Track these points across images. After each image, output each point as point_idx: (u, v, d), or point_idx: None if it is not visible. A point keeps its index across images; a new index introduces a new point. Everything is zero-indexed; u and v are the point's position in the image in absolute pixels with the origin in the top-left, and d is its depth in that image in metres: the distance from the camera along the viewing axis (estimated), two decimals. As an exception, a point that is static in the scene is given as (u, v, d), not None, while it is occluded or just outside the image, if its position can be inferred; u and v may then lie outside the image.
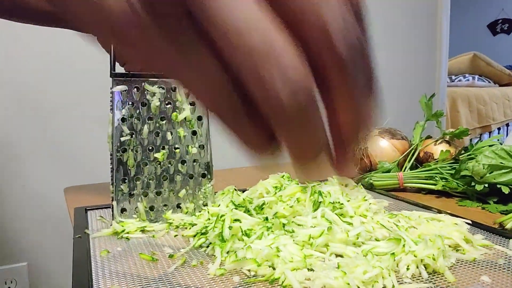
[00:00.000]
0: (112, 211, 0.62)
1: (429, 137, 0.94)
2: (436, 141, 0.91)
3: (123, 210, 0.62)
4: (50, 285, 1.41)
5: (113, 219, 0.62)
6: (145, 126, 0.63)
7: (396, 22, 1.91)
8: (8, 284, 1.36)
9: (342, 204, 0.58)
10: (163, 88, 0.63)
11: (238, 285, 0.44)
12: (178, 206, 0.65)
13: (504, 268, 0.47)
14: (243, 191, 0.69)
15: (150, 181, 0.63)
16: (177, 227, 0.62)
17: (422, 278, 0.45)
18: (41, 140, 1.35)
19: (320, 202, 0.58)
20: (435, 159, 0.87)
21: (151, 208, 0.64)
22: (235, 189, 0.69)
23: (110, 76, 0.60)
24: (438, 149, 0.88)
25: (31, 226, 1.36)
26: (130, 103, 0.61)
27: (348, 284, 0.42)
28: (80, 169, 1.39)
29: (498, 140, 0.85)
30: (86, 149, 1.40)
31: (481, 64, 4.20)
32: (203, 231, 0.57)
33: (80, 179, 1.33)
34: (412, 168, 0.89)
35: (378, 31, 1.85)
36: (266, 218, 0.57)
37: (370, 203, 0.62)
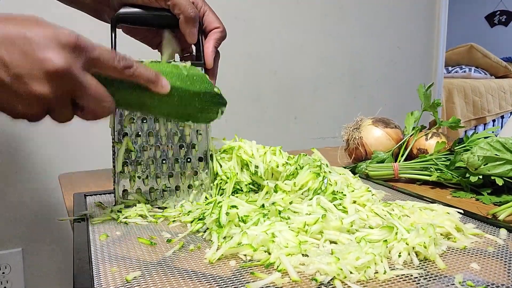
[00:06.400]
0: (114, 194, 0.64)
1: (423, 127, 0.95)
2: (427, 135, 0.91)
3: (124, 192, 0.64)
4: (44, 270, 1.42)
5: (115, 201, 0.64)
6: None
7: (394, 11, 1.91)
8: (3, 270, 1.37)
9: (344, 195, 0.60)
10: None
11: (234, 269, 0.46)
12: (177, 188, 0.67)
13: (493, 256, 0.49)
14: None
15: (150, 165, 0.65)
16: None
17: (413, 265, 0.46)
18: (33, 125, 1.35)
19: (321, 190, 0.60)
20: (430, 155, 0.87)
21: (151, 190, 0.66)
22: None
23: None
24: (430, 144, 0.89)
25: (25, 211, 1.36)
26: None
27: (341, 269, 0.43)
28: (74, 155, 1.39)
29: (493, 132, 0.86)
30: (81, 135, 1.39)
31: (478, 55, 4.20)
32: (201, 216, 0.58)
33: (74, 165, 1.33)
34: (405, 159, 0.90)
35: (376, 20, 1.84)
36: (263, 205, 0.58)
37: (372, 194, 0.63)
